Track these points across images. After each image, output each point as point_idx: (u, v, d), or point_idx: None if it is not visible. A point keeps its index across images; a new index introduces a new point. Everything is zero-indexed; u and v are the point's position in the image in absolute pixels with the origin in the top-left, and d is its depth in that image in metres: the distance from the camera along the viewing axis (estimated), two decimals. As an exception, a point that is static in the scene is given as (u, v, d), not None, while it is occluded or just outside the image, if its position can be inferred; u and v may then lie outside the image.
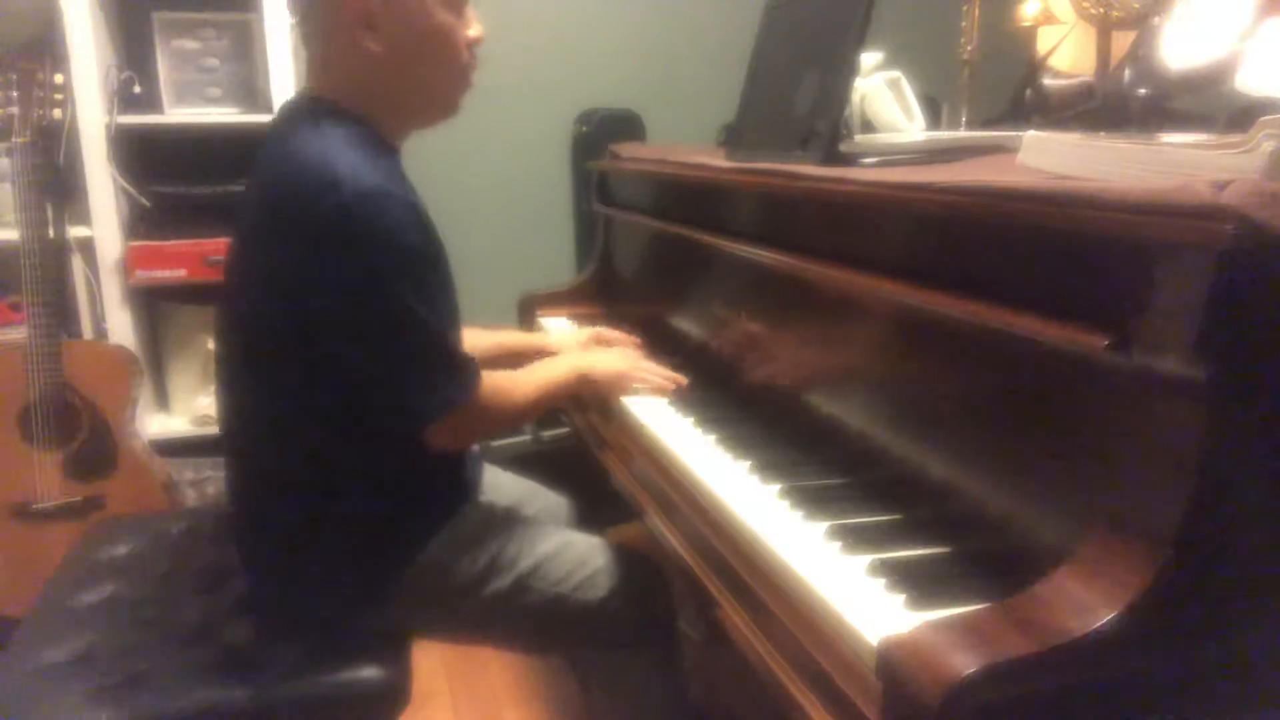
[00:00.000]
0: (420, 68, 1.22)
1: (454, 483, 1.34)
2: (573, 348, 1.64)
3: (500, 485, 1.51)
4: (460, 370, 1.20)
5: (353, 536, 1.24)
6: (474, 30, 1.25)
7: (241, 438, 1.28)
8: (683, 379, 1.48)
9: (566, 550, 1.32)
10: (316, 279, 1.10)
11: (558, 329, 1.93)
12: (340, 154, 1.11)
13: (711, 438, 1.25)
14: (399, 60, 1.19)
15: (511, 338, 1.73)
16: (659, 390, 1.46)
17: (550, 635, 1.33)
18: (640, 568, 1.34)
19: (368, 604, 1.24)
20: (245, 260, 1.21)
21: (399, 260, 1.11)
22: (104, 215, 2.15)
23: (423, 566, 1.25)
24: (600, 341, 1.68)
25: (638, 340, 1.69)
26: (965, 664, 0.63)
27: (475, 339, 1.57)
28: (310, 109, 1.21)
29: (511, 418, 1.38)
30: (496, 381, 1.27)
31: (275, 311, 1.15)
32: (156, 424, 2.33)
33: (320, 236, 1.08)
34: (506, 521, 1.33)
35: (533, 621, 1.30)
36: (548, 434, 2.44)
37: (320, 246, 1.09)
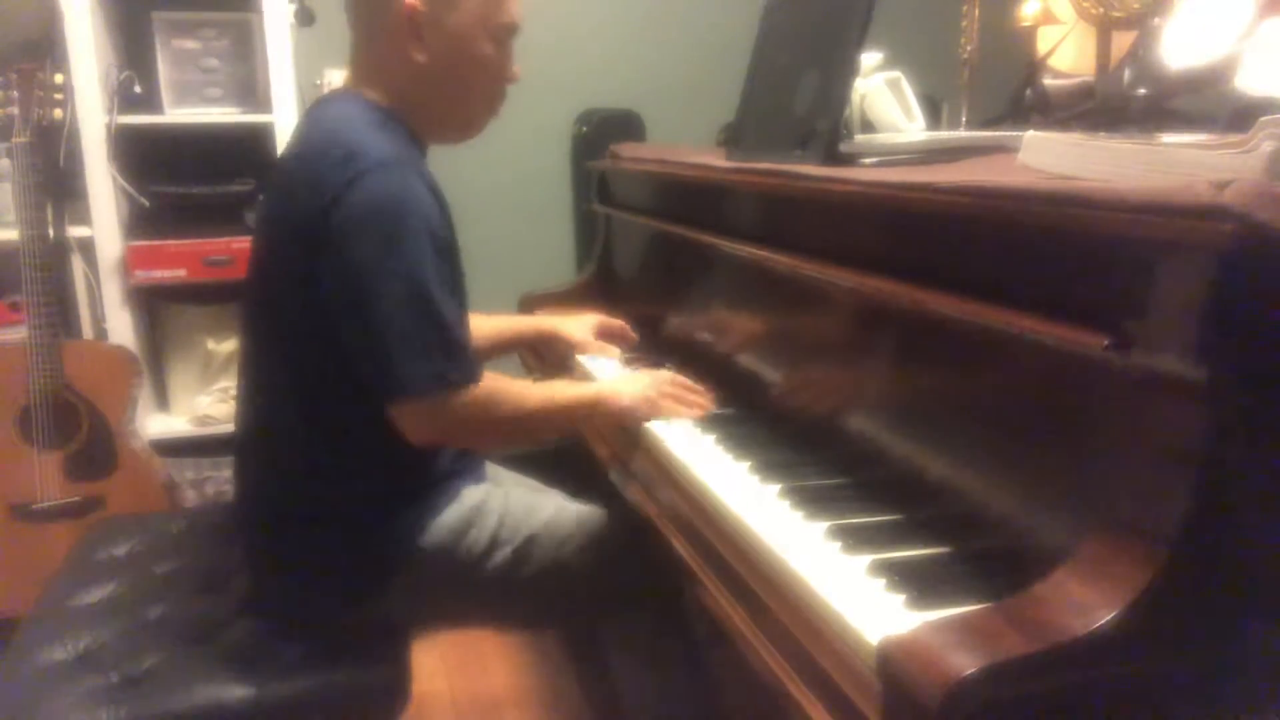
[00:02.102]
0: (454, 86, 1.27)
1: (457, 473, 1.34)
2: (580, 329, 1.65)
3: (501, 482, 1.51)
4: (458, 351, 1.16)
5: (359, 521, 1.25)
6: (512, 69, 1.32)
7: (255, 429, 1.30)
8: (710, 404, 1.36)
9: (562, 516, 1.33)
10: (327, 238, 1.12)
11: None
12: (368, 129, 1.18)
13: (711, 438, 1.25)
14: (437, 74, 1.25)
15: (515, 320, 1.74)
16: (689, 415, 1.34)
17: (555, 603, 1.33)
18: (637, 528, 1.33)
19: (372, 592, 1.25)
20: (268, 238, 1.23)
21: (409, 227, 1.12)
22: (104, 215, 2.15)
23: (426, 552, 1.25)
24: (601, 329, 1.68)
25: (635, 337, 1.69)
26: (965, 664, 0.63)
27: (478, 325, 1.57)
28: (345, 97, 1.27)
29: (507, 426, 1.27)
30: (499, 384, 1.22)
31: (291, 283, 1.17)
32: (156, 424, 2.33)
33: (336, 197, 1.11)
34: (502, 496, 1.34)
35: (536, 591, 1.30)
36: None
37: (334, 207, 1.11)
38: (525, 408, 1.26)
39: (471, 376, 1.18)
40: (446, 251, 1.19)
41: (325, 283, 1.14)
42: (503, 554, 1.28)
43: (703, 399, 1.37)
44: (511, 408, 1.25)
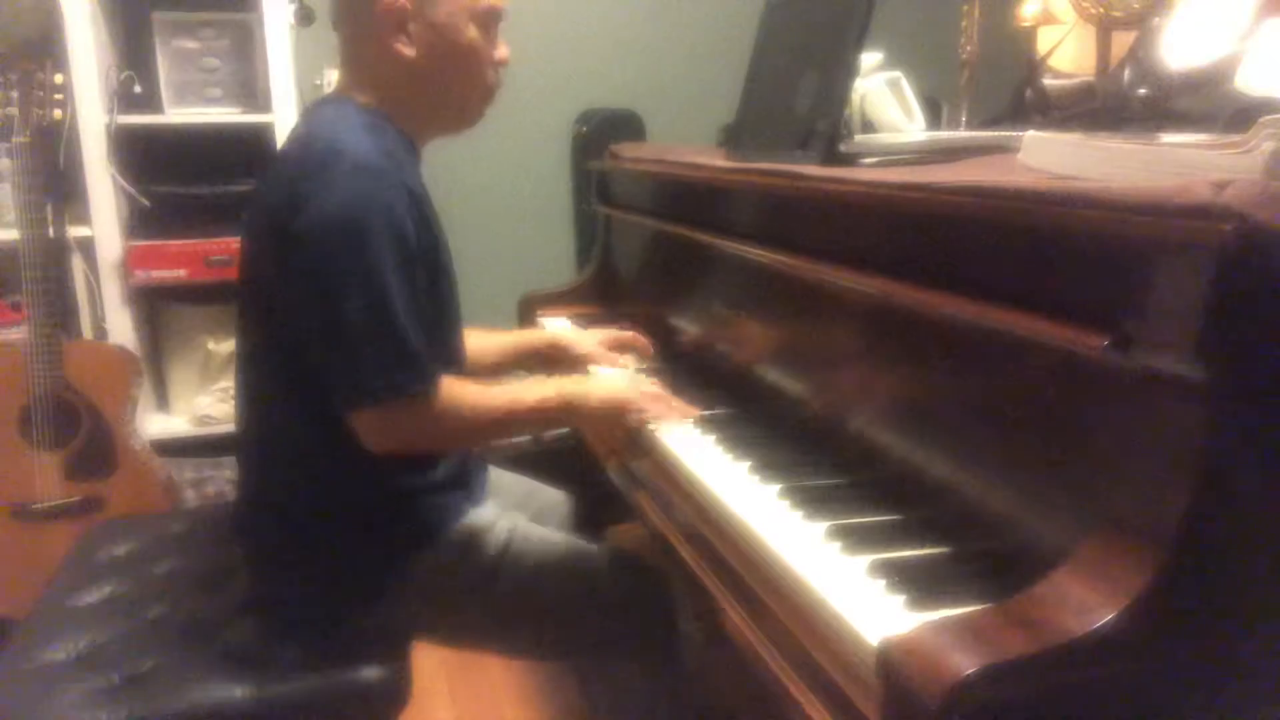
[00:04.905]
0: (446, 77, 1.27)
1: (459, 485, 1.33)
2: (591, 342, 1.63)
3: (501, 485, 1.51)
4: (414, 361, 1.15)
5: (358, 535, 1.24)
6: (500, 52, 1.31)
7: (254, 433, 1.29)
8: (694, 411, 1.33)
9: (569, 556, 1.32)
10: (295, 239, 1.11)
11: (559, 327, 1.93)
12: (352, 133, 1.17)
13: (711, 438, 1.25)
14: (427, 67, 1.24)
15: (525, 334, 1.73)
16: (664, 420, 1.31)
17: (552, 641, 1.33)
18: (642, 574, 1.33)
19: (371, 604, 1.25)
20: (254, 240, 1.23)
21: (376, 233, 1.11)
22: (104, 215, 2.15)
23: (427, 569, 1.25)
24: (615, 345, 1.64)
25: (650, 345, 1.67)
26: (965, 664, 0.63)
27: (487, 340, 1.57)
28: (335, 100, 1.27)
29: (467, 432, 1.27)
30: (460, 390, 1.21)
31: (273, 285, 1.17)
32: (156, 424, 2.33)
33: (307, 200, 1.11)
34: (509, 523, 1.33)
35: (534, 627, 1.30)
36: (548, 434, 2.44)
37: (304, 208, 1.11)
38: (487, 414, 1.25)
39: (427, 386, 1.16)
40: (419, 257, 1.17)
41: (293, 285, 1.14)
42: (505, 584, 1.27)
43: (683, 409, 1.33)
44: (471, 414, 1.22)
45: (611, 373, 1.53)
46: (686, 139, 2.56)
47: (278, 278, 1.16)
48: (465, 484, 1.35)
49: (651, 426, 1.30)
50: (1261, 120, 0.70)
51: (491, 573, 1.27)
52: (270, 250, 1.17)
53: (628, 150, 2.09)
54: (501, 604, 1.28)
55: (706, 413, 1.34)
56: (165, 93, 2.23)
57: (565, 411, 1.30)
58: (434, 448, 1.27)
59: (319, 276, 1.12)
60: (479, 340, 1.54)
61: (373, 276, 1.11)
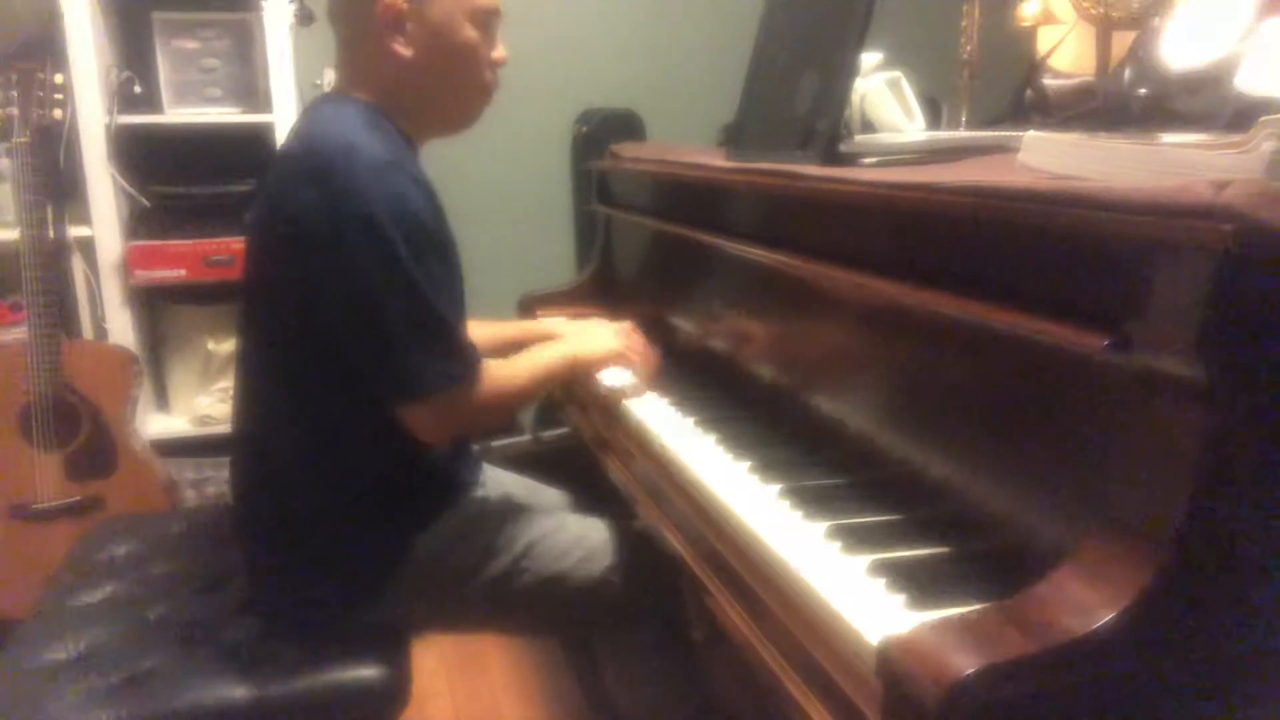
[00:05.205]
0: (443, 77, 1.27)
1: (452, 477, 1.35)
2: None
3: (499, 483, 1.52)
4: (459, 349, 1.19)
5: (353, 528, 1.25)
6: (497, 52, 1.31)
7: (250, 431, 1.30)
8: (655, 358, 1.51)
9: (562, 529, 1.33)
10: (323, 242, 1.12)
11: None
12: (358, 130, 1.17)
13: (711, 437, 1.25)
14: (424, 67, 1.24)
15: (513, 327, 1.74)
16: (642, 369, 1.48)
17: (553, 614, 1.33)
18: (638, 544, 1.34)
19: (368, 596, 1.25)
20: (263, 240, 1.23)
21: (403, 229, 1.12)
22: (104, 215, 2.15)
23: (421, 557, 1.26)
24: None
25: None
26: (965, 664, 0.63)
27: (475, 330, 1.58)
28: (335, 99, 1.27)
29: (504, 406, 1.34)
30: (493, 369, 1.26)
31: (286, 286, 1.17)
32: (156, 424, 2.33)
33: (331, 201, 1.11)
34: (501, 508, 1.34)
35: (533, 601, 1.30)
36: (547, 434, 2.44)
37: (329, 210, 1.11)
38: (519, 384, 1.31)
39: (475, 370, 1.21)
40: (440, 249, 1.19)
41: (323, 288, 1.14)
42: (500, 562, 1.29)
43: (649, 357, 1.50)
44: (510, 389, 1.29)
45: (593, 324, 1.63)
46: (686, 139, 2.56)
47: (299, 280, 1.16)
48: (460, 475, 1.36)
49: (626, 403, 1.40)
50: (1261, 120, 0.70)
51: (485, 552, 1.28)
52: (287, 253, 1.17)
53: (628, 150, 2.09)
54: (496, 581, 1.28)
55: (707, 413, 1.34)
56: (165, 93, 2.23)
57: (571, 365, 1.41)
58: (480, 426, 1.35)
59: (357, 280, 1.12)
60: (478, 331, 1.55)
61: (409, 272, 1.12)
